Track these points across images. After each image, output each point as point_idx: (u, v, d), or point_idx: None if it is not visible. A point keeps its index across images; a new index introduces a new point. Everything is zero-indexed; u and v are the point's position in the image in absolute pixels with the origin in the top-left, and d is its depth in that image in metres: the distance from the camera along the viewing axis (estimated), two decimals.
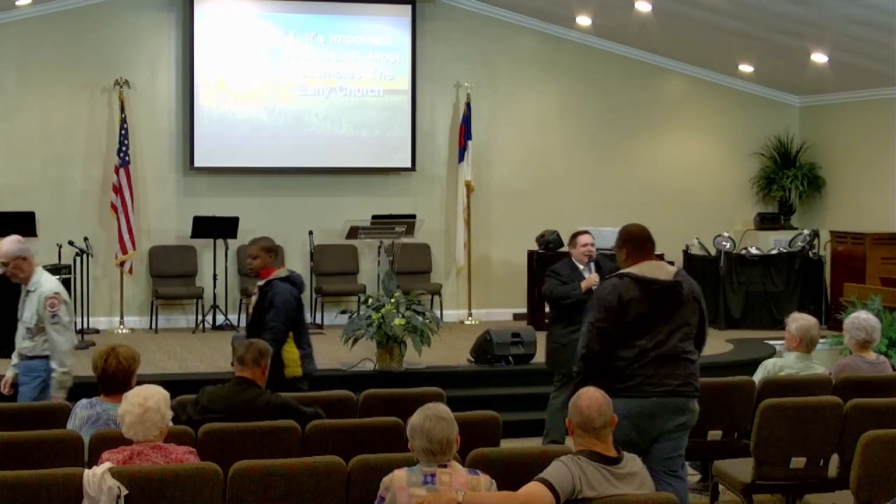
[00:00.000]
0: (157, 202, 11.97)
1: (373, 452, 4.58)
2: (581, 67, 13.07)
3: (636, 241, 5.35)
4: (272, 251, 6.88)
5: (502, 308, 12.67)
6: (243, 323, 11.69)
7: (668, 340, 5.21)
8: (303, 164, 12.28)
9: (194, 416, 5.33)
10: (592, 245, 7.73)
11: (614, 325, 5.17)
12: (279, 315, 6.58)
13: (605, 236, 11.52)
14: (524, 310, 12.01)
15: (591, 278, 7.59)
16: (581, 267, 7.72)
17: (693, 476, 6.95)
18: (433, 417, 4.10)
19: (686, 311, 5.28)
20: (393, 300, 8.84)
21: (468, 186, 12.44)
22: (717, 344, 10.75)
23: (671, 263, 5.92)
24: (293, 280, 6.80)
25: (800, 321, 6.40)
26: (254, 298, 6.83)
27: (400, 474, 4.08)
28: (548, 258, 11.59)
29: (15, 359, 6.39)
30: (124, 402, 4.43)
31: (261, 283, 6.80)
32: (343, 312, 9.90)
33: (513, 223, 12.69)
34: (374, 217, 11.73)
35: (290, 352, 6.67)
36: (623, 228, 5.45)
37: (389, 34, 12.43)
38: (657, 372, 5.17)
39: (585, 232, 7.90)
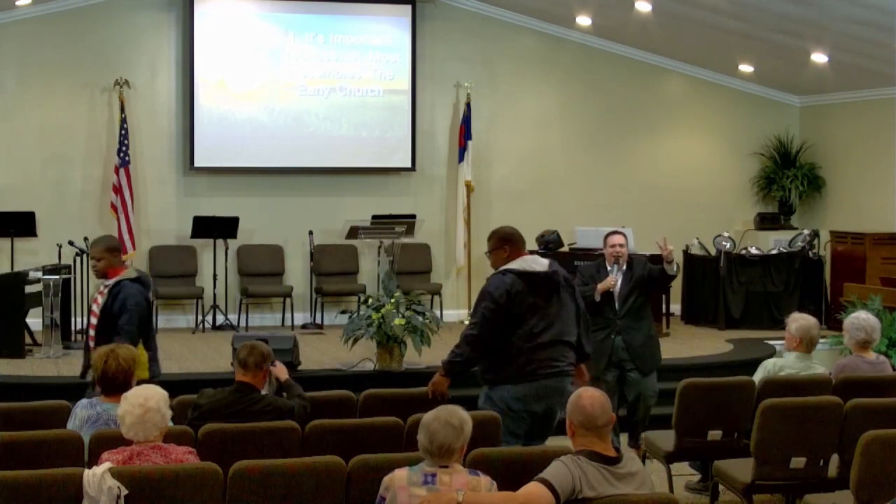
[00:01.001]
0: (157, 202, 11.97)
1: (373, 452, 4.57)
2: (581, 67, 13.07)
3: (515, 240, 6.08)
4: (116, 251, 6.64)
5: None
6: (244, 323, 11.74)
7: (554, 325, 5.85)
8: (303, 164, 12.28)
9: (194, 420, 5.29)
10: (621, 246, 7.64)
11: (503, 318, 5.77)
12: (132, 318, 6.38)
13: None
14: None
15: (608, 281, 7.53)
16: (609, 268, 7.64)
17: (693, 476, 6.96)
18: (442, 420, 4.11)
19: (564, 297, 5.96)
20: (393, 300, 8.84)
21: (468, 186, 12.45)
22: (717, 344, 10.76)
23: (543, 255, 6.45)
24: (142, 281, 6.61)
25: (800, 321, 6.40)
26: (100, 298, 6.52)
27: (401, 474, 4.09)
28: (548, 258, 11.58)
29: None
30: (124, 403, 4.43)
31: (108, 283, 6.51)
32: (343, 312, 9.89)
33: (513, 223, 12.54)
34: (374, 217, 11.73)
35: (140, 354, 6.50)
36: (499, 231, 6.17)
37: (389, 34, 12.43)
38: (547, 355, 5.81)
39: (615, 232, 7.81)
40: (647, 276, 7.64)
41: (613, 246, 7.67)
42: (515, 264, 5.89)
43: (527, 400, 5.76)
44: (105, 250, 6.55)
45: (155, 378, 6.40)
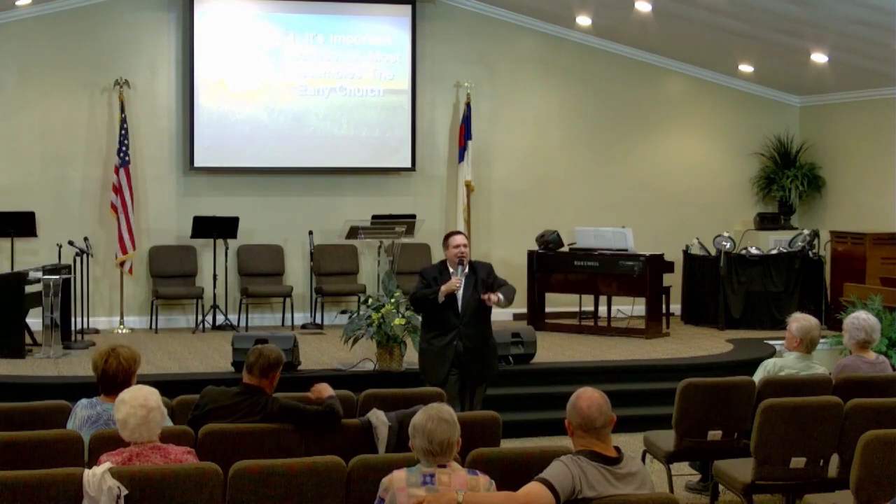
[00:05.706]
0: (157, 202, 11.97)
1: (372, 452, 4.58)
2: (581, 67, 13.07)
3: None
4: None
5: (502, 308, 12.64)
6: (244, 323, 11.74)
7: None
8: (303, 164, 12.28)
9: (195, 418, 5.26)
10: (465, 247, 7.32)
11: None
12: None
13: (605, 236, 11.57)
14: (524, 310, 12.00)
15: (452, 282, 7.17)
16: (451, 270, 7.29)
17: (693, 476, 6.96)
18: (435, 418, 4.10)
19: None
20: (393, 300, 8.84)
21: (468, 186, 12.45)
22: (717, 344, 10.76)
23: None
24: None
25: (801, 321, 6.40)
26: None
27: (399, 475, 4.08)
28: (548, 258, 11.61)
29: None
30: (124, 406, 4.37)
31: None
32: (343, 312, 9.90)
33: (513, 223, 12.69)
34: (374, 217, 11.73)
35: None
36: None
37: (389, 34, 12.43)
38: None
39: (458, 233, 7.52)
40: (492, 284, 7.32)
41: (457, 246, 7.26)
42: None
43: None
44: None
45: None
